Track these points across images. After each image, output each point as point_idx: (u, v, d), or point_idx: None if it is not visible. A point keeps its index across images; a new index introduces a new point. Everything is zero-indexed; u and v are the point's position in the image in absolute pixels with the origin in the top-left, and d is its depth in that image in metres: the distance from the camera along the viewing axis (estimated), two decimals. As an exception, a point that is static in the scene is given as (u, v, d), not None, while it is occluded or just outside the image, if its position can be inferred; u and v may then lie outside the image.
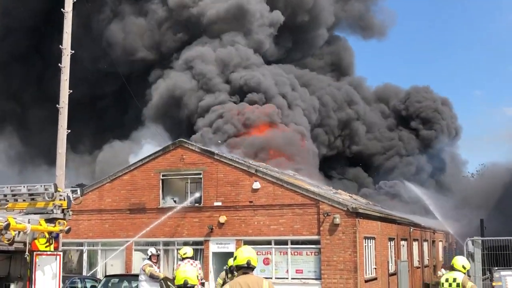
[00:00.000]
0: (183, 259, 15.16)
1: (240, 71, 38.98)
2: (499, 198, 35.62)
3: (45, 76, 40.95)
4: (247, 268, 7.42)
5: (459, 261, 11.59)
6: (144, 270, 15.10)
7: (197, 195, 25.66)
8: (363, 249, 24.17)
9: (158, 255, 15.79)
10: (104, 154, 39.94)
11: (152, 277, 14.92)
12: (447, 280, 11.32)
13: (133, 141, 37.71)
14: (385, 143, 48.27)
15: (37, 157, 43.88)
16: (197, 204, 25.55)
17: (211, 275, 24.60)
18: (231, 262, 20.23)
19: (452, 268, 11.37)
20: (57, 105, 13.58)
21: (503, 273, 11.54)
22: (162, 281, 15.53)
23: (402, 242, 31.26)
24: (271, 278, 23.03)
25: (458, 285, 11.19)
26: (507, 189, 36.17)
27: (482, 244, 13.58)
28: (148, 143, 33.86)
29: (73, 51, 13.86)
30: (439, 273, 41.78)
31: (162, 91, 39.37)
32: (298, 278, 23.70)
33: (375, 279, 25.59)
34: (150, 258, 15.43)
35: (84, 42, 35.13)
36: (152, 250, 15.80)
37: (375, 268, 25.70)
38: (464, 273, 11.33)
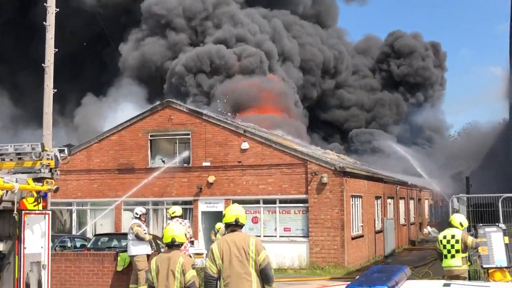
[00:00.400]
0: (172, 218, 15.29)
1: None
2: (484, 156, 35.98)
3: (34, 39, 40.50)
4: (235, 226, 7.50)
5: (457, 218, 11.69)
6: (132, 229, 15.24)
7: (184, 155, 25.71)
8: (350, 207, 24.46)
9: (146, 214, 16.01)
10: (81, 115, 39.90)
11: (138, 238, 15.10)
12: (445, 237, 11.39)
13: (111, 98, 37.56)
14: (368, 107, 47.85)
15: (30, 121, 43.69)
16: (186, 164, 25.61)
17: (200, 234, 24.84)
18: (218, 225, 20.74)
19: (450, 225, 11.48)
20: (42, 64, 13.45)
21: (487, 229, 11.71)
22: (151, 240, 15.72)
23: (389, 200, 31.63)
24: (260, 236, 23.27)
25: (457, 241, 11.31)
26: (492, 147, 36.51)
27: (468, 201, 13.75)
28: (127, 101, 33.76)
29: (57, 9, 13.66)
30: (425, 230, 42.54)
31: (134, 55, 39.42)
32: (286, 236, 23.99)
33: (362, 236, 25.96)
34: (139, 218, 15.58)
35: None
36: (141, 209, 15.94)
37: (361, 226, 26.05)
38: (462, 230, 11.45)
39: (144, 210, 15.93)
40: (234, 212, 7.52)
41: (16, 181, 7.94)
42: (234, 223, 7.48)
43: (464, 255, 11.29)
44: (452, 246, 11.26)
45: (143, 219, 15.73)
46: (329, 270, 22.17)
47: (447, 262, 11.37)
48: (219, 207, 24.81)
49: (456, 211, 13.19)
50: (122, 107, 33.63)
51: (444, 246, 11.35)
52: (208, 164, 25.17)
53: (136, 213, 15.82)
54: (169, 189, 25.72)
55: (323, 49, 45.66)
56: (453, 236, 11.31)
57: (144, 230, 15.48)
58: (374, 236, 27.91)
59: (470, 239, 11.27)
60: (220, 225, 21.62)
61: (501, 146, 35.41)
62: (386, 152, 38.35)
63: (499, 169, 32.43)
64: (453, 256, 11.24)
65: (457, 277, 11.02)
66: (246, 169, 24.75)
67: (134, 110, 29.91)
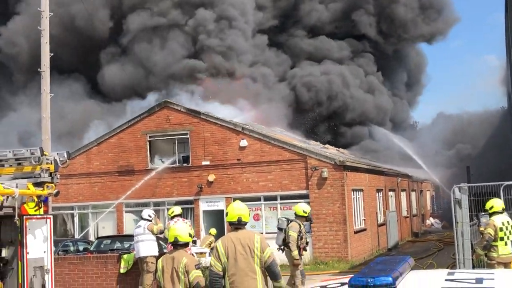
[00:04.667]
0: (172, 218, 15.35)
1: None
2: (484, 144, 35.95)
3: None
4: (239, 224, 7.49)
5: (498, 202, 11.36)
6: (152, 230, 15.39)
7: (181, 155, 25.74)
8: (352, 201, 24.45)
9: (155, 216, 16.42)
10: None
11: (162, 233, 15.31)
12: (503, 223, 10.97)
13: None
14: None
15: None
16: (185, 164, 25.60)
17: (202, 233, 24.83)
18: (213, 231, 20.85)
19: (495, 213, 11.09)
20: (38, 69, 13.43)
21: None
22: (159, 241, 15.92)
23: (390, 193, 31.62)
24: (262, 233, 23.27)
25: None
26: (491, 135, 36.48)
27: (469, 191, 13.71)
28: None
29: (51, 13, 13.63)
30: (428, 222, 42.56)
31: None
32: (288, 233, 23.94)
33: (365, 230, 25.96)
34: (151, 221, 15.77)
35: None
36: (151, 212, 16.24)
37: (364, 220, 26.05)
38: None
39: (153, 213, 16.18)
40: (236, 211, 7.52)
41: (17, 187, 7.92)
42: (237, 222, 7.48)
43: None
44: (510, 233, 10.96)
45: (156, 222, 15.89)
46: (333, 265, 22.18)
47: (508, 249, 10.97)
48: (220, 205, 24.82)
49: (458, 201, 13.14)
50: None
51: (505, 233, 10.93)
52: (207, 163, 25.17)
53: (149, 216, 15.93)
54: (169, 190, 25.71)
55: None
56: (508, 222, 11.04)
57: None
58: (377, 229, 27.91)
59: None
60: (214, 231, 21.80)
61: (500, 134, 35.41)
62: (381, 142, 37.90)
63: (498, 158, 32.45)
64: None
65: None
66: (246, 167, 24.74)
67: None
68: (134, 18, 38.92)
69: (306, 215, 13.27)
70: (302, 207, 13.38)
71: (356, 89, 41.32)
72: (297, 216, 13.19)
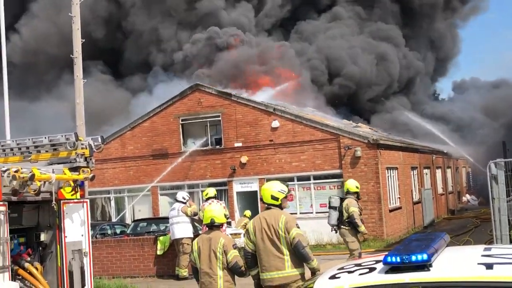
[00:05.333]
0: (206, 199, 15.50)
1: None
2: None
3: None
4: (272, 204, 7.52)
5: None
6: (185, 212, 15.58)
7: (213, 137, 25.88)
8: (386, 179, 24.29)
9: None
10: None
11: (196, 215, 15.54)
12: None
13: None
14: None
15: None
16: (218, 146, 25.72)
17: (236, 214, 24.98)
18: (248, 213, 20.94)
19: None
20: (71, 55, 13.56)
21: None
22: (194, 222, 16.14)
23: (425, 170, 31.30)
24: (296, 213, 23.31)
25: None
26: None
27: (505, 166, 13.47)
28: None
29: (81, 0, 13.73)
30: (464, 198, 42.04)
31: None
32: (322, 212, 23.91)
33: (400, 208, 25.80)
34: (185, 203, 15.98)
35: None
36: (185, 194, 16.53)
37: (399, 198, 25.87)
38: None
39: (188, 195, 16.39)
40: (268, 191, 7.54)
41: (53, 172, 8.04)
42: (270, 201, 7.50)
43: None
44: None
45: (189, 204, 16.07)
46: (368, 244, 22.08)
47: None
48: (254, 186, 24.92)
49: (494, 176, 12.93)
50: None
51: None
52: (240, 144, 25.23)
53: (184, 198, 16.13)
54: (203, 172, 25.89)
55: None
56: None
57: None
58: (412, 207, 27.70)
59: None
60: (249, 212, 21.85)
61: None
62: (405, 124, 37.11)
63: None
64: None
65: None
66: (278, 147, 24.74)
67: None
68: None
69: (358, 190, 13.10)
70: (355, 183, 13.13)
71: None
72: (349, 192, 12.92)
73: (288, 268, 7.21)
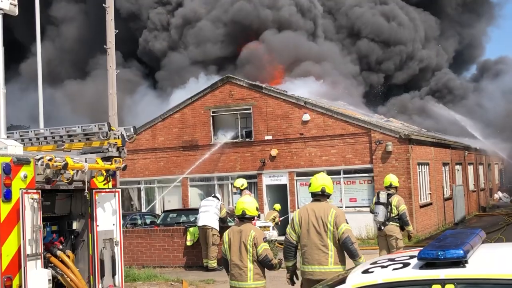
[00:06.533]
0: (241, 190, 15.57)
1: None
2: None
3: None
4: (321, 196, 7.40)
5: None
6: (221, 209, 16.13)
7: (243, 130, 25.86)
8: (417, 175, 24.03)
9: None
10: None
11: (224, 222, 16.14)
12: None
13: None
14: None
15: None
16: (248, 139, 25.72)
17: (265, 207, 24.96)
18: (278, 206, 20.85)
19: None
20: (104, 46, 13.67)
21: None
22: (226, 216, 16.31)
23: (457, 167, 30.90)
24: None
25: None
26: None
27: (540, 164, 13.19)
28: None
29: (115, -9, 13.81)
30: (496, 196, 41.42)
31: None
32: (352, 207, 23.82)
33: (430, 204, 25.52)
34: (240, 193, 16.24)
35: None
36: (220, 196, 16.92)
37: (429, 194, 25.59)
38: None
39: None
40: (320, 181, 7.43)
41: (86, 161, 8.10)
42: (320, 192, 7.40)
43: None
44: None
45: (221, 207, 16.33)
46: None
47: None
48: (283, 180, 24.88)
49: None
50: None
51: None
52: (270, 137, 25.19)
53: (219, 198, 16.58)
54: (233, 164, 25.93)
55: None
56: None
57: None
58: (443, 204, 27.38)
59: None
60: (278, 206, 21.78)
61: None
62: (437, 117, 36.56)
63: None
64: None
65: None
66: (309, 141, 24.63)
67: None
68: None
69: (398, 186, 12.91)
70: (395, 178, 12.79)
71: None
72: (392, 187, 12.50)
73: (330, 264, 7.11)
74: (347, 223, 7.19)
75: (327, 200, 7.47)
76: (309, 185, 7.58)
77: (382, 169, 23.20)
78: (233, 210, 15.90)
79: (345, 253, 7.25)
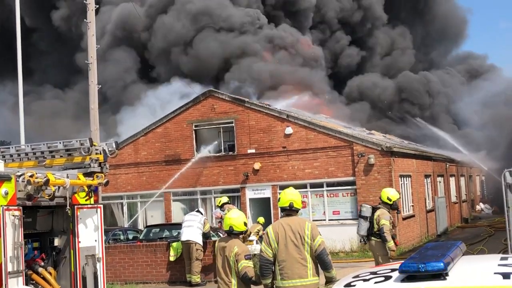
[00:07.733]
0: (220, 206, 15.60)
1: None
2: None
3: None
4: (290, 210, 7.42)
5: None
6: (206, 224, 16.08)
7: (226, 143, 25.88)
8: (399, 187, 24.14)
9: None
10: None
11: (208, 237, 16.08)
12: None
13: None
14: None
15: None
16: (231, 153, 25.71)
17: (249, 221, 24.90)
18: (261, 219, 20.79)
19: None
20: (85, 61, 13.64)
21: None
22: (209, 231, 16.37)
23: (439, 179, 31.12)
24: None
25: None
26: None
27: (521, 175, 13.32)
28: None
29: (97, 6, 13.82)
30: (478, 207, 41.72)
31: None
32: (335, 220, 23.87)
33: (413, 216, 25.64)
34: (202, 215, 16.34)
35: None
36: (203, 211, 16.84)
37: (412, 206, 25.71)
38: None
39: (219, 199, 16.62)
40: (288, 196, 7.44)
41: (67, 177, 8.07)
42: (288, 207, 7.42)
43: None
44: None
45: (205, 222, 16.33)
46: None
47: None
48: (267, 193, 24.89)
49: (509, 185, 12.80)
50: None
51: None
52: (253, 151, 25.22)
53: (202, 213, 16.46)
54: (216, 178, 25.89)
55: None
56: None
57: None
58: (426, 216, 27.53)
59: None
60: (262, 219, 21.75)
61: None
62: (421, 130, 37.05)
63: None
64: None
65: None
66: (291, 154, 24.70)
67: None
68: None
69: (390, 203, 11.85)
70: (387, 193, 11.96)
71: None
72: (382, 202, 11.91)
73: (310, 276, 7.15)
74: (321, 235, 7.25)
75: (297, 214, 7.49)
76: (278, 200, 7.61)
77: (365, 182, 23.32)
78: (217, 229, 15.95)
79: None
